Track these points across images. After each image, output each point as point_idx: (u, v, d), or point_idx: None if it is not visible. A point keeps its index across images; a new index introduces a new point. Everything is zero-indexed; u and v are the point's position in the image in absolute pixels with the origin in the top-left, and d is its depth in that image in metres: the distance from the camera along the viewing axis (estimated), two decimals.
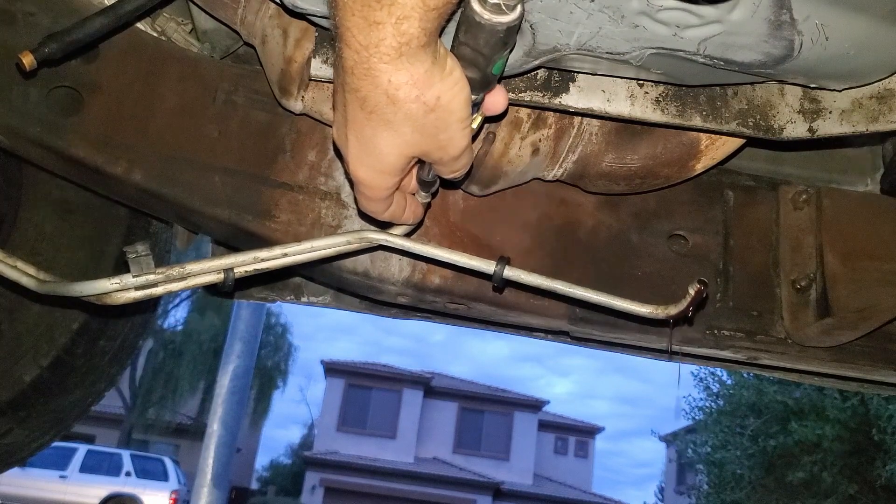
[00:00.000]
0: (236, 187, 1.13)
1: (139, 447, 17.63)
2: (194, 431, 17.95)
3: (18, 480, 11.14)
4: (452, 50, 0.74)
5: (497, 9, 0.69)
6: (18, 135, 1.12)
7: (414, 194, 0.92)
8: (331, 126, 1.12)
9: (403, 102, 0.70)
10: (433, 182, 0.88)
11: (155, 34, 1.20)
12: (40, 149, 1.13)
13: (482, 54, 0.73)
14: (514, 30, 0.71)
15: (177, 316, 19.68)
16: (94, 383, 1.69)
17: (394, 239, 0.98)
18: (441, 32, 0.69)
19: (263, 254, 0.98)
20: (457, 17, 0.71)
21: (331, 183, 1.16)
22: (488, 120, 0.83)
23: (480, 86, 0.76)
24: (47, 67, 1.08)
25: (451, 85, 0.72)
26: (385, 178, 0.79)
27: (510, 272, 0.99)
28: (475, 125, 0.79)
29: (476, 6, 0.69)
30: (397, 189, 0.84)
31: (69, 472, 12.50)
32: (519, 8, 0.70)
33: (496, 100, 0.80)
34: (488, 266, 0.99)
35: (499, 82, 0.80)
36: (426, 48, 0.68)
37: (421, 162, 0.83)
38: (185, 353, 18.74)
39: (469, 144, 0.79)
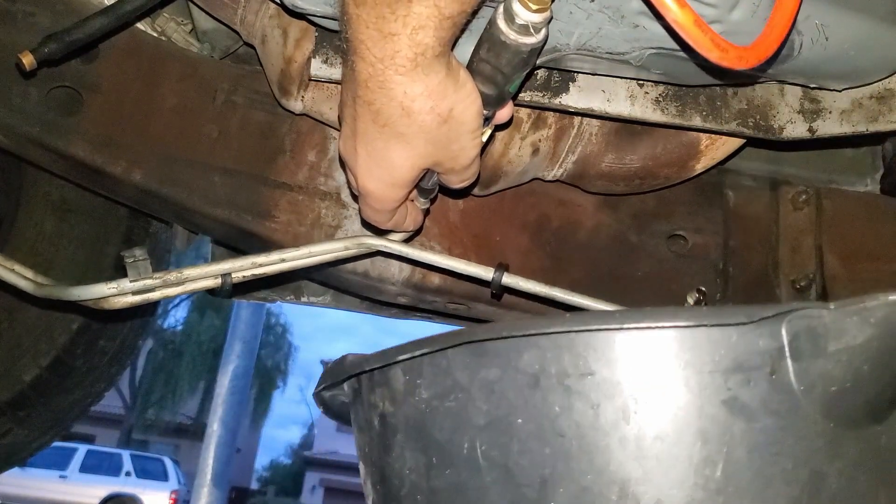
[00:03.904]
0: (236, 187, 1.13)
1: (139, 447, 17.62)
2: (194, 431, 17.94)
3: (18, 480, 11.13)
4: (471, 65, 0.74)
5: (524, 30, 0.68)
6: (18, 135, 1.12)
7: (412, 201, 0.92)
8: (331, 126, 1.12)
9: (418, 114, 0.70)
10: (433, 189, 0.89)
11: (155, 34, 1.20)
12: (40, 149, 1.13)
13: (502, 73, 0.73)
14: (537, 51, 0.71)
15: (177, 316, 19.67)
16: (93, 383, 1.69)
17: (392, 245, 0.98)
18: (454, 45, 0.69)
19: (261, 259, 0.98)
20: (470, 29, 0.71)
21: (331, 183, 1.16)
22: (494, 129, 0.84)
23: (495, 102, 0.76)
24: (47, 67, 1.08)
25: (465, 97, 0.72)
26: (395, 190, 0.79)
27: (508, 279, 0.99)
28: (485, 137, 0.79)
29: (502, 25, 0.69)
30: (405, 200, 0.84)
31: (69, 472, 12.48)
32: (544, 30, 0.69)
33: (502, 112, 0.80)
34: (486, 273, 0.99)
35: (513, 99, 0.80)
36: (440, 58, 0.67)
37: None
38: (185, 353, 18.72)
39: (479, 155, 0.79)
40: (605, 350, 0.49)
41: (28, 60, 0.98)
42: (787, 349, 0.48)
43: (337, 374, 0.64)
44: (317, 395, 0.70)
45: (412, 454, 0.56)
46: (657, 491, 0.48)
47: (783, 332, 0.48)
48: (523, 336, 0.51)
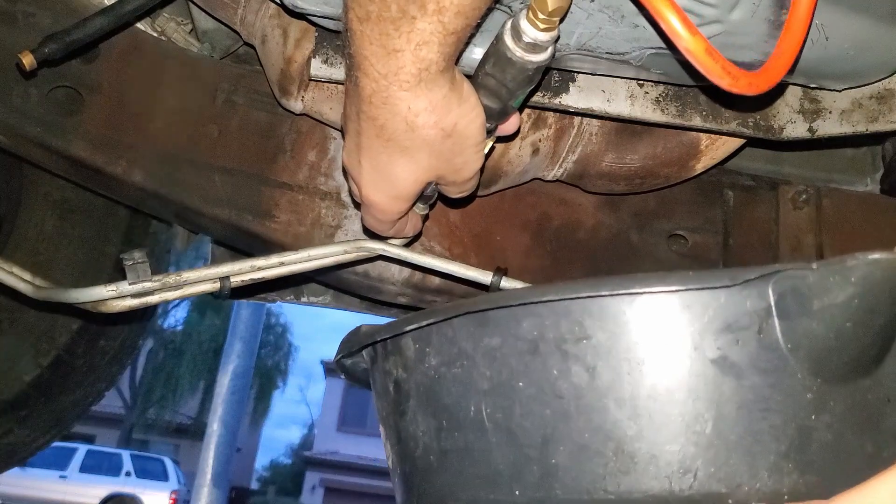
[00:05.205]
0: (236, 187, 1.13)
1: (139, 447, 17.62)
2: (194, 431, 17.93)
3: (18, 480, 11.13)
4: (476, 79, 0.74)
5: (531, 48, 0.68)
6: (18, 135, 1.12)
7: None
8: (331, 126, 1.12)
9: (422, 129, 0.70)
10: (432, 195, 0.89)
11: (155, 34, 1.20)
12: (40, 149, 1.13)
13: (507, 88, 0.73)
14: (542, 69, 0.71)
15: (177, 316, 19.64)
16: (94, 383, 1.69)
17: (392, 249, 0.98)
18: (458, 59, 0.69)
19: (260, 262, 0.98)
20: (473, 43, 0.71)
21: (331, 183, 1.16)
22: (498, 140, 0.84)
23: (498, 116, 0.77)
24: (47, 67, 1.07)
25: (468, 111, 0.72)
26: (399, 203, 0.79)
27: (507, 282, 1.00)
28: (486, 149, 0.79)
29: (509, 42, 0.69)
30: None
31: (69, 472, 12.48)
32: (551, 49, 0.69)
33: (509, 123, 0.81)
34: (485, 276, 1.00)
35: (520, 111, 0.80)
36: (444, 73, 0.67)
37: None
38: (185, 353, 18.72)
39: (481, 168, 0.80)
40: (600, 315, 0.52)
41: (28, 60, 0.98)
42: (774, 309, 0.49)
43: (352, 343, 0.68)
44: (338, 363, 0.73)
45: (424, 418, 0.60)
46: (651, 447, 0.50)
47: (770, 292, 0.49)
48: (521, 305, 0.54)
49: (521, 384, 0.53)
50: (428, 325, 0.58)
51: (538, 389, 0.53)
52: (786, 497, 0.49)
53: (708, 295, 0.50)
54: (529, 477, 0.53)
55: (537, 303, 0.53)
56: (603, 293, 0.52)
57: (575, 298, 0.52)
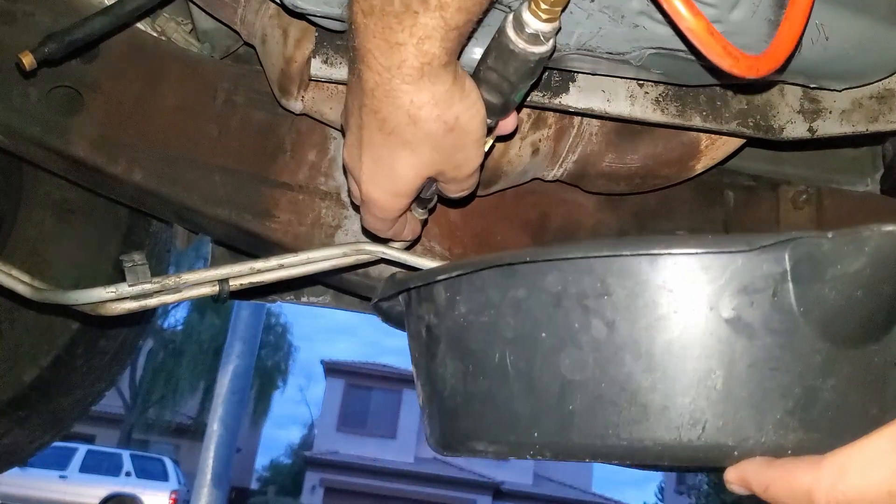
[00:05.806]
0: (236, 187, 1.13)
1: (139, 447, 17.62)
2: (194, 431, 17.94)
3: (18, 480, 11.14)
4: (478, 73, 0.74)
5: (534, 39, 0.69)
6: (18, 135, 1.12)
7: (410, 211, 0.92)
8: (331, 126, 1.12)
9: (424, 122, 0.70)
10: (431, 198, 0.89)
11: (155, 34, 1.20)
12: (40, 149, 1.13)
13: (509, 81, 0.73)
14: (544, 61, 0.71)
15: (177, 316, 19.67)
16: (94, 383, 1.69)
17: (392, 252, 0.98)
18: (460, 53, 0.69)
19: (259, 264, 0.97)
20: (476, 37, 0.71)
21: (331, 183, 1.16)
22: (497, 139, 0.84)
23: (500, 111, 0.77)
24: (47, 67, 1.07)
25: (470, 105, 0.72)
26: (399, 199, 0.80)
27: None
28: (487, 146, 0.79)
29: (511, 34, 0.69)
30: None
31: (69, 472, 12.49)
32: (553, 40, 0.70)
33: (507, 122, 0.81)
34: None
35: (518, 110, 0.80)
36: (447, 67, 0.68)
37: None
38: (185, 353, 18.73)
39: (481, 165, 0.80)
40: (621, 273, 0.55)
41: (28, 60, 0.98)
42: (789, 274, 0.52)
43: (388, 289, 0.72)
44: (375, 306, 0.77)
45: (452, 362, 0.64)
46: (663, 399, 0.53)
47: (787, 257, 0.52)
48: (546, 261, 0.57)
49: (543, 335, 0.57)
50: (458, 275, 0.62)
51: (559, 340, 0.56)
52: (789, 452, 0.51)
53: (726, 258, 0.52)
54: (547, 422, 0.57)
55: (562, 259, 0.56)
56: (625, 253, 0.54)
57: (598, 257, 0.55)
